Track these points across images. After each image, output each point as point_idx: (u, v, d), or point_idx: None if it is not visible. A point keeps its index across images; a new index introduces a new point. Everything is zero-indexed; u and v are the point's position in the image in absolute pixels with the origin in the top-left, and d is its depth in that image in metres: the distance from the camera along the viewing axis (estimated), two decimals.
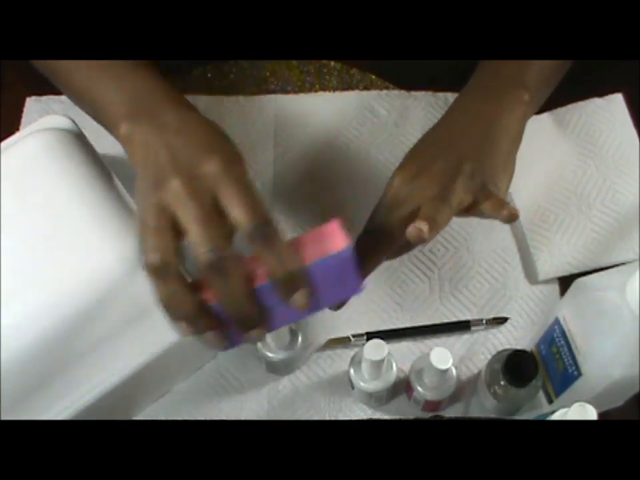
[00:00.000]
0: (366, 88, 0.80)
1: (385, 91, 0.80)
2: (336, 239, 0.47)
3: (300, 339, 0.63)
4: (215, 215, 0.45)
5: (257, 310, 0.46)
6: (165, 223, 0.45)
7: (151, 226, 0.45)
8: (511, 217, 0.53)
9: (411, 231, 0.50)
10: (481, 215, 0.55)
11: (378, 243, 0.54)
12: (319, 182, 0.75)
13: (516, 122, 0.57)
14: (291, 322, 0.56)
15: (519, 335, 0.68)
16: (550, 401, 0.62)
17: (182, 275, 0.45)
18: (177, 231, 0.45)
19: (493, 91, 0.58)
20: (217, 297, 0.45)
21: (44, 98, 0.78)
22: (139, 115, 0.50)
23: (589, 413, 0.49)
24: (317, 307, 0.49)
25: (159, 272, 0.45)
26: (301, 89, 0.81)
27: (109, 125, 0.52)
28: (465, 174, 0.53)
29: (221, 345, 0.48)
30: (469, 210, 0.54)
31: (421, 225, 0.50)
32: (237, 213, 0.45)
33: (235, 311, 0.46)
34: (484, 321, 0.68)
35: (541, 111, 0.76)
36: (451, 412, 0.65)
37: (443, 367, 0.58)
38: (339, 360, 0.67)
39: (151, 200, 0.46)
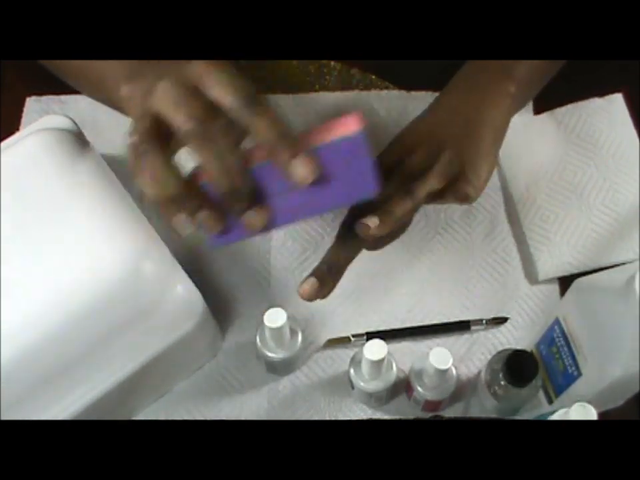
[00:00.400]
0: (366, 88, 0.80)
1: (384, 91, 0.80)
2: (349, 125, 0.43)
3: (300, 338, 0.63)
4: (200, 98, 0.43)
5: (248, 183, 0.43)
6: (148, 113, 0.44)
7: (135, 116, 0.44)
8: (463, 197, 0.55)
9: (358, 226, 0.50)
10: (444, 201, 0.56)
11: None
12: None
13: (500, 113, 0.57)
14: (296, 218, 0.48)
15: (518, 335, 0.68)
16: (550, 401, 0.62)
17: (164, 154, 0.43)
18: (159, 125, 0.44)
19: (479, 82, 0.58)
20: (205, 166, 0.43)
21: (44, 98, 0.78)
22: (138, 75, 0.49)
23: (589, 413, 0.49)
24: (324, 199, 0.44)
25: (137, 152, 0.43)
26: (301, 89, 0.81)
27: (110, 92, 0.51)
28: (443, 162, 0.54)
29: (217, 228, 0.45)
30: (437, 197, 0.55)
31: (369, 221, 0.50)
32: (224, 94, 0.43)
33: (223, 183, 0.43)
34: (484, 321, 0.68)
35: (540, 110, 0.77)
36: (451, 412, 0.65)
37: (442, 367, 0.58)
38: (339, 360, 0.67)
39: (138, 105, 0.45)
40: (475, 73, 0.59)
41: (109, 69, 0.52)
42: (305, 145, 0.43)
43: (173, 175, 0.43)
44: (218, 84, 0.43)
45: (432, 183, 0.53)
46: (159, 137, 0.44)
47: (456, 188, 0.55)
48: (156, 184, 0.43)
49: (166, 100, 0.43)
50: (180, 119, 0.43)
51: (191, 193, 0.44)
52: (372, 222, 0.50)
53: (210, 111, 0.43)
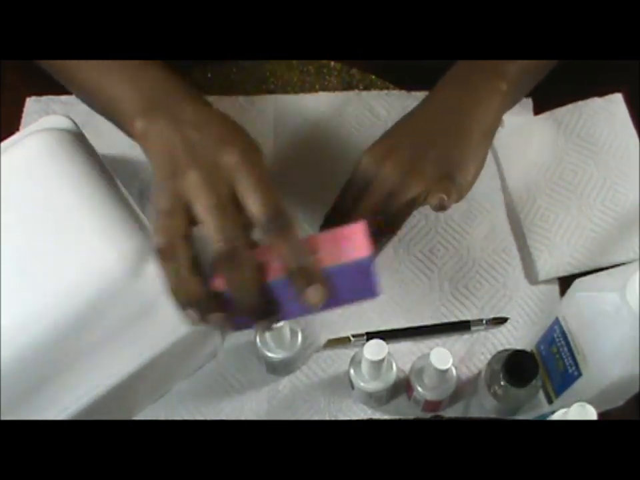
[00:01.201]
0: (366, 88, 0.80)
1: (384, 91, 0.80)
2: (357, 244, 0.47)
3: (300, 338, 0.63)
4: (231, 206, 0.45)
5: (266, 303, 0.46)
6: (178, 209, 0.45)
7: (163, 209, 0.46)
8: (437, 205, 0.54)
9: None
10: (428, 202, 0.56)
11: (344, 222, 0.54)
12: (318, 182, 0.75)
13: (491, 112, 0.57)
14: (301, 315, 0.54)
15: (518, 335, 0.68)
16: (550, 401, 0.62)
17: (190, 258, 0.45)
18: (189, 218, 0.46)
19: (470, 80, 0.58)
20: (229, 286, 0.45)
21: (44, 98, 0.78)
22: (154, 109, 0.50)
23: (589, 413, 0.49)
24: (329, 306, 0.48)
25: (167, 254, 0.45)
26: (301, 89, 0.81)
27: (123, 122, 0.52)
28: (430, 161, 0.54)
29: (228, 328, 0.48)
30: (422, 200, 0.55)
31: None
32: (253, 204, 0.45)
33: (245, 302, 0.46)
34: (484, 321, 0.68)
35: (540, 110, 0.77)
36: (451, 412, 0.65)
37: (442, 367, 0.58)
38: (339, 360, 0.67)
39: (167, 187, 0.46)
40: (467, 70, 0.59)
41: (123, 95, 0.52)
42: (318, 268, 0.46)
43: (198, 282, 0.46)
44: (252, 195, 0.46)
45: (414, 192, 0.54)
46: (188, 234, 0.46)
47: (440, 187, 0.55)
48: (182, 290, 0.46)
49: (200, 199, 0.45)
50: (212, 231, 0.45)
51: (209, 297, 0.46)
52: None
53: (243, 229, 0.46)
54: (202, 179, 0.45)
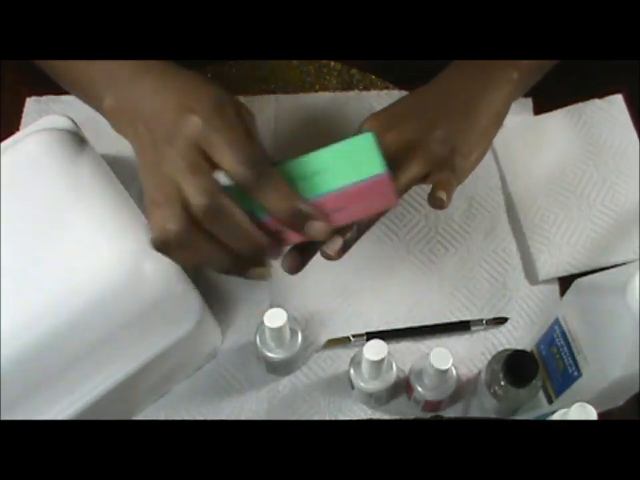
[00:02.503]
0: (366, 88, 0.80)
1: (384, 91, 0.80)
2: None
3: (300, 338, 0.63)
4: (206, 165, 0.45)
5: (269, 236, 0.46)
6: (173, 193, 0.45)
7: (159, 201, 0.45)
8: (437, 204, 0.53)
9: (325, 250, 0.51)
10: (426, 182, 0.55)
11: None
12: None
13: (500, 99, 0.56)
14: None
15: (518, 335, 0.68)
16: (550, 401, 0.62)
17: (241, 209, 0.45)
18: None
19: (483, 65, 0.57)
20: (224, 239, 0.45)
21: (44, 98, 0.78)
22: (118, 86, 0.49)
23: (589, 413, 0.49)
24: (342, 220, 0.48)
25: (213, 213, 0.44)
26: (301, 88, 0.81)
27: (96, 103, 0.52)
28: (435, 139, 0.53)
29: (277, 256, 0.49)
30: (420, 180, 0.54)
31: (332, 246, 0.51)
32: (226, 162, 0.44)
33: (246, 247, 0.46)
34: (484, 321, 0.68)
35: (540, 111, 0.77)
36: (451, 412, 0.65)
37: (442, 367, 0.58)
38: (339, 360, 0.67)
39: (153, 176, 0.46)
40: None
41: (93, 78, 0.52)
42: (311, 205, 0.46)
43: (259, 230, 0.46)
44: (223, 153, 0.45)
45: (415, 170, 0.52)
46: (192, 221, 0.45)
47: (441, 176, 0.54)
48: (249, 242, 0.46)
49: (176, 169, 0.45)
50: (191, 194, 0.44)
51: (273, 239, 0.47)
52: (334, 246, 0.50)
53: (216, 182, 0.45)
54: (172, 152, 0.45)
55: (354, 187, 0.46)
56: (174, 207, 0.44)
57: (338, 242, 0.50)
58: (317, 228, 0.46)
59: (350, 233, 0.51)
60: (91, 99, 0.53)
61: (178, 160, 0.44)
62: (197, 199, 0.44)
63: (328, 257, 0.51)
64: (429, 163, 0.53)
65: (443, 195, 0.53)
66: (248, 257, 0.47)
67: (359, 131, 0.55)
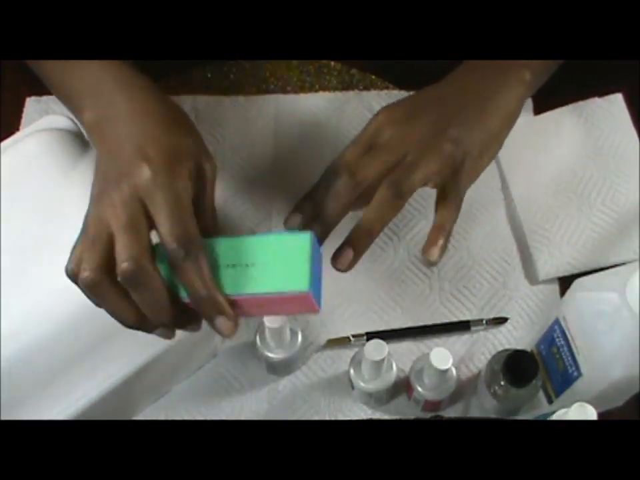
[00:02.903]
0: (366, 88, 0.80)
1: (384, 91, 0.80)
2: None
3: (300, 338, 0.63)
4: (143, 224, 0.44)
5: (183, 313, 0.45)
6: (103, 239, 0.44)
7: (89, 237, 0.45)
8: (431, 258, 0.53)
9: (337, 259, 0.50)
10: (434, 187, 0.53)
11: (342, 181, 0.51)
12: None
13: (513, 100, 0.55)
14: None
15: (518, 335, 0.68)
16: (550, 401, 0.62)
17: (163, 280, 0.44)
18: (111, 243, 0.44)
19: (495, 65, 0.56)
20: (140, 305, 0.44)
21: (44, 98, 0.78)
22: (99, 100, 0.50)
23: (589, 413, 0.49)
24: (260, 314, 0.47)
25: (137, 279, 0.43)
26: (301, 89, 0.81)
27: (76, 113, 0.52)
28: (449, 137, 0.51)
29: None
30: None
31: (345, 255, 0.49)
32: (161, 228, 0.44)
33: (159, 318, 0.45)
34: (484, 321, 0.68)
35: (540, 110, 0.77)
36: (451, 412, 0.65)
37: (442, 367, 0.58)
38: (339, 360, 0.67)
39: (95, 207, 0.46)
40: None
41: (76, 92, 0.52)
42: (224, 299, 0.44)
43: (172, 302, 0.45)
44: (158, 215, 0.44)
45: (426, 170, 0.51)
46: (110, 271, 0.44)
47: (450, 170, 0.52)
48: (159, 314, 0.45)
49: (114, 220, 0.44)
50: (120, 251, 0.43)
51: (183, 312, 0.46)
52: (344, 261, 0.49)
53: (146, 246, 0.44)
54: (117, 197, 0.44)
55: (277, 294, 0.45)
56: (96, 254, 0.44)
57: (348, 255, 0.49)
58: (224, 326, 0.45)
59: (360, 246, 0.50)
60: (73, 108, 0.53)
61: (119, 210, 0.44)
62: (123, 260, 0.43)
63: (339, 270, 0.50)
64: (440, 163, 0.51)
65: (434, 252, 0.53)
66: (155, 323, 0.46)
67: (369, 125, 0.54)
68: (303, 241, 0.45)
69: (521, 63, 0.56)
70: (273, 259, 0.45)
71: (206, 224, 0.47)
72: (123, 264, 0.43)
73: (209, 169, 0.48)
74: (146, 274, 0.43)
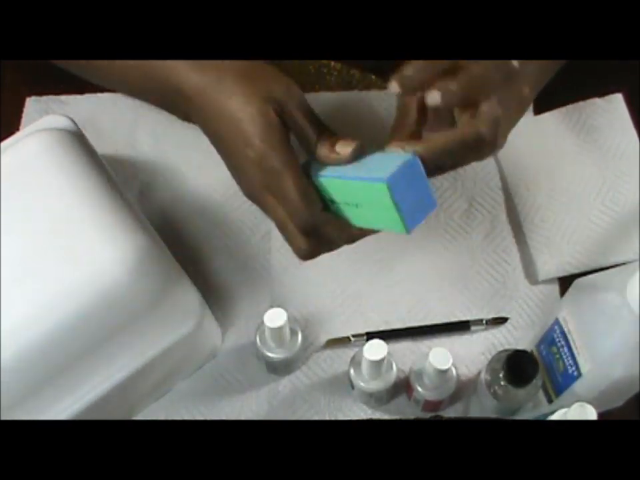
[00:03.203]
0: (366, 88, 0.80)
1: (384, 91, 0.80)
2: None
3: (300, 338, 0.63)
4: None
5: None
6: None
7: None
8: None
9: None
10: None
11: None
12: None
13: (513, 121, 0.55)
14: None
15: (518, 335, 0.68)
16: (550, 401, 0.62)
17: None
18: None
19: None
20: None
21: (44, 98, 0.78)
22: (204, 65, 0.53)
23: (589, 413, 0.49)
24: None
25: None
26: (301, 89, 0.80)
27: (169, 82, 0.53)
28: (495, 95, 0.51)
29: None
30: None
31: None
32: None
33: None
34: (484, 321, 0.68)
35: (541, 110, 0.77)
36: (451, 412, 0.65)
37: (442, 367, 0.58)
38: (339, 360, 0.67)
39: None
40: None
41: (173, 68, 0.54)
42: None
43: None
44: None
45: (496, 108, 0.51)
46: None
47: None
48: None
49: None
50: (294, 215, 0.51)
51: None
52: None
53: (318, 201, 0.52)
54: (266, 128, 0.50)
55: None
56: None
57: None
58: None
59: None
60: (166, 84, 0.54)
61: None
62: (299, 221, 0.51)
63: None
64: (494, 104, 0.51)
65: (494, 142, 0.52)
66: None
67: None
68: (381, 189, 0.46)
69: (519, 79, 0.56)
70: (371, 203, 0.48)
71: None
72: (299, 224, 0.51)
73: (283, 101, 0.53)
74: (320, 227, 0.52)
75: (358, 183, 0.48)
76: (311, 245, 0.53)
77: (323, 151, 0.52)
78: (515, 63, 0.52)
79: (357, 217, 0.51)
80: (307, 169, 0.52)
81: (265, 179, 0.51)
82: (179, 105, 0.54)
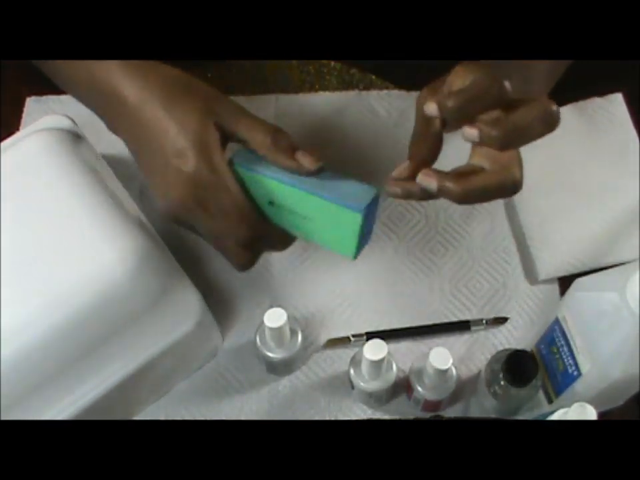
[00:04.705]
0: (366, 88, 0.80)
1: (384, 91, 0.80)
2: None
3: (300, 338, 0.63)
4: None
5: None
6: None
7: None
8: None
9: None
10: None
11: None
12: None
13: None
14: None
15: (518, 335, 0.68)
16: (550, 401, 0.62)
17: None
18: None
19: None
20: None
21: (44, 98, 0.78)
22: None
23: (589, 413, 0.49)
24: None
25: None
26: (301, 88, 0.81)
27: (111, 98, 0.52)
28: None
29: None
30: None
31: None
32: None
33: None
34: (484, 321, 0.68)
35: None
36: (451, 412, 0.65)
37: (442, 367, 0.58)
38: (339, 360, 0.67)
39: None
40: None
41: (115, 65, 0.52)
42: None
43: None
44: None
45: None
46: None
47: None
48: None
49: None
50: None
51: None
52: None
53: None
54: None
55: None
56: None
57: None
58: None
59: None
60: (106, 93, 0.53)
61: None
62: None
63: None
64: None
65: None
66: None
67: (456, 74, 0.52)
68: (354, 217, 0.48)
69: (526, 81, 0.56)
70: (327, 222, 0.49)
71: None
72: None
73: (224, 112, 0.52)
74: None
75: (319, 200, 0.48)
76: (250, 256, 0.53)
77: (279, 155, 0.51)
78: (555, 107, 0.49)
79: (300, 227, 0.51)
80: (232, 162, 0.51)
81: (199, 194, 0.49)
82: (113, 108, 0.52)
